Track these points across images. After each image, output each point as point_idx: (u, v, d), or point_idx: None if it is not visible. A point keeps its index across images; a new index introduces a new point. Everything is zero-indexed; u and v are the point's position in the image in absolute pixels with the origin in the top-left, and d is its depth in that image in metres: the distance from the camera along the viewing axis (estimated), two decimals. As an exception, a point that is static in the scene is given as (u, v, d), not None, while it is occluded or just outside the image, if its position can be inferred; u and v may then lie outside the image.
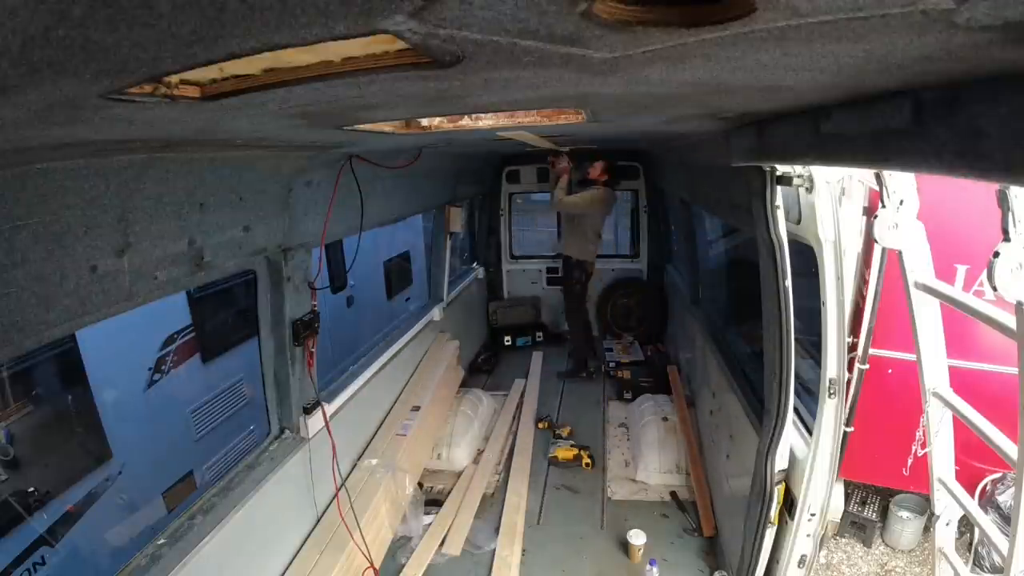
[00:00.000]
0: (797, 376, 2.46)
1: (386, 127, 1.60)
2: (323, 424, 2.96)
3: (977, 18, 0.54)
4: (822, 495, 2.44)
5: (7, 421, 3.19)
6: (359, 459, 3.62)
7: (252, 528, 2.47)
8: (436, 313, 5.26)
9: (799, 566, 2.54)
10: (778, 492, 2.50)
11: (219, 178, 1.95)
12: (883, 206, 2.06)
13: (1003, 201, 1.51)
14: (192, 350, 4.59)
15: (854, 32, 0.62)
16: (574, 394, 5.52)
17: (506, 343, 6.75)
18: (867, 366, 3.50)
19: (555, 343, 6.84)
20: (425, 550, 3.38)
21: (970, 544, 3.68)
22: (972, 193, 3.32)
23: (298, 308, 2.72)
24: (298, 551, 2.87)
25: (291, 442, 2.84)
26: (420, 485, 4.02)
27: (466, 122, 1.66)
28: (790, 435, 2.49)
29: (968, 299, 1.98)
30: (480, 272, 6.87)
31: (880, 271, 3.29)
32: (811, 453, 2.39)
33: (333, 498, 3.02)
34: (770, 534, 2.56)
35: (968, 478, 3.11)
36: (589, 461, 4.32)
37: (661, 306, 6.74)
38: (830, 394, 2.34)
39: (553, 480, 4.19)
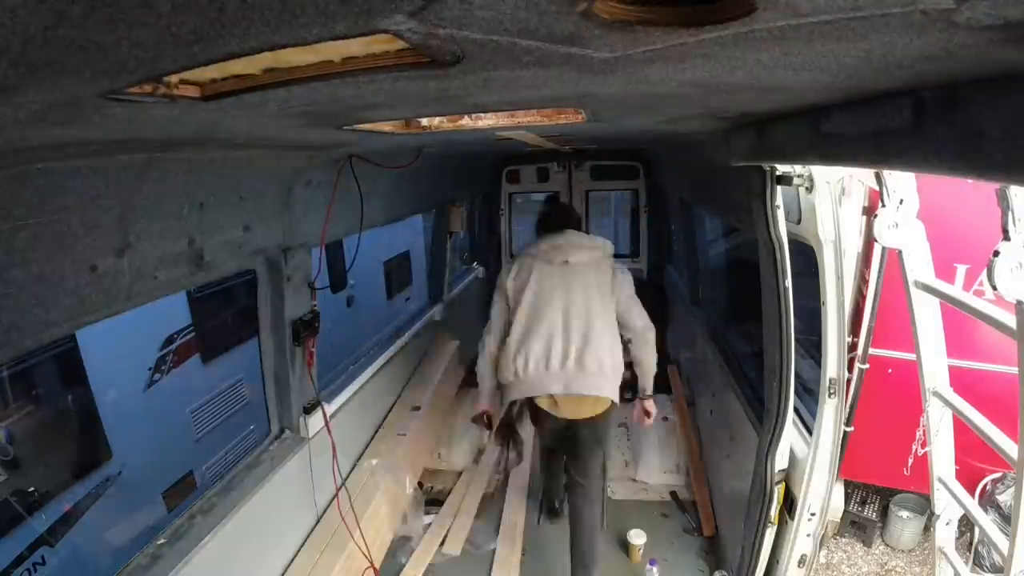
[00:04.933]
0: (797, 376, 2.46)
1: (386, 127, 1.60)
2: (323, 424, 2.96)
3: (977, 18, 0.54)
4: (822, 495, 2.44)
5: (7, 421, 3.20)
6: (359, 459, 3.62)
7: (252, 528, 2.47)
8: (436, 313, 5.26)
9: (799, 566, 2.54)
10: (778, 492, 2.50)
11: (219, 178, 1.95)
12: (883, 206, 2.06)
13: (1003, 201, 1.51)
14: (192, 350, 4.60)
15: (854, 32, 0.62)
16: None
17: (506, 343, 6.73)
18: (867, 366, 3.51)
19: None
20: (425, 550, 3.38)
21: (970, 544, 3.68)
22: (972, 194, 3.32)
23: (298, 308, 2.72)
24: (298, 551, 2.87)
25: (291, 442, 2.84)
26: (420, 485, 4.02)
27: (466, 122, 1.66)
28: (790, 435, 2.49)
29: (968, 299, 1.98)
30: (480, 272, 6.86)
31: (880, 271, 3.29)
32: (811, 453, 2.39)
33: (333, 498, 3.02)
34: (770, 534, 2.56)
35: (968, 478, 3.11)
36: (589, 461, 4.31)
37: (661, 306, 6.73)
38: (830, 394, 2.34)
39: (553, 480, 4.18)
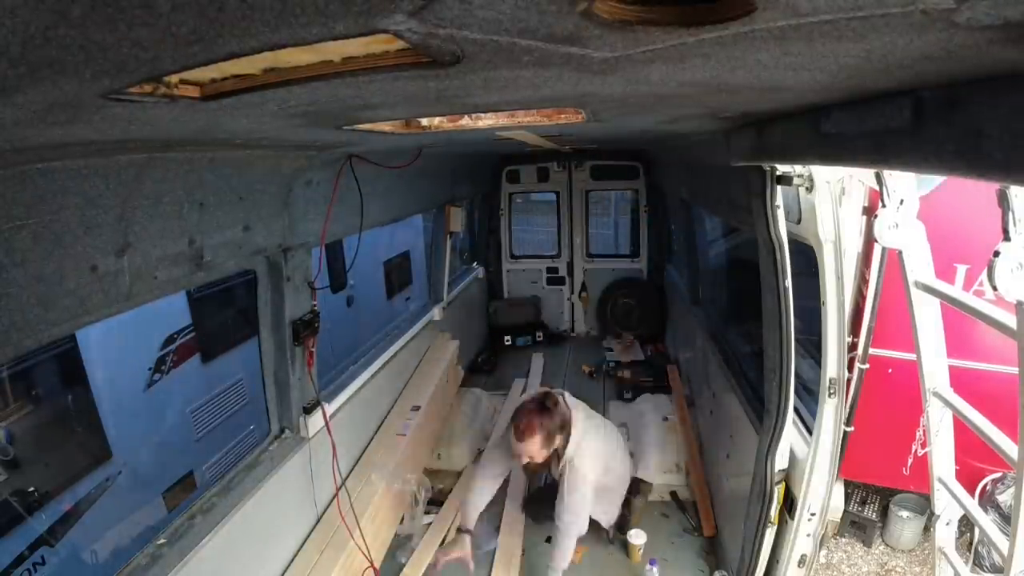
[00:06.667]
0: (797, 376, 2.46)
1: (386, 127, 1.60)
2: (323, 424, 2.96)
3: (977, 18, 0.54)
4: (822, 495, 2.44)
5: (7, 421, 3.19)
6: (359, 459, 3.62)
7: (252, 528, 2.47)
8: (436, 313, 5.26)
9: (799, 566, 2.54)
10: (778, 492, 2.50)
11: (219, 178, 1.95)
12: (883, 206, 2.06)
13: (1003, 201, 1.51)
14: (192, 350, 4.59)
15: (854, 32, 0.62)
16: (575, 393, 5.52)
17: (506, 343, 6.75)
18: (867, 366, 3.51)
19: (555, 343, 6.85)
20: (425, 550, 3.38)
21: (970, 544, 3.69)
22: (973, 193, 3.32)
23: (298, 308, 2.72)
24: (298, 551, 2.87)
25: (291, 442, 2.84)
26: (420, 485, 4.02)
27: (466, 122, 1.66)
28: (790, 435, 2.49)
29: (968, 299, 1.98)
30: (480, 272, 6.87)
31: (880, 271, 3.29)
32: (811, 453, 2.39)
33: (333, 498, 3.02)
34: (770, 534, 2.56)
35: (968, 478, 3.11)
36: (589, 461, 4.31)
37: (661, 306, 6.74)
38: (830, 394, 2.34)
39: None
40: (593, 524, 3.27)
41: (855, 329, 3.48)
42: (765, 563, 2.62)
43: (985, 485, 3.64)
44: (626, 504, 3.53)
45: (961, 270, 3.52)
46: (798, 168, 2.07)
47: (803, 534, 2.48)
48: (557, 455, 3.05)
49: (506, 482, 4.01)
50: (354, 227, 3.07)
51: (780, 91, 1.12)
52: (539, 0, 0.49)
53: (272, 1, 0.45)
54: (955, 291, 2.21)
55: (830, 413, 2.35)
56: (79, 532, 3.41)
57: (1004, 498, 3.51)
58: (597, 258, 7.28)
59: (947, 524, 2.37)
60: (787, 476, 2.51)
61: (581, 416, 3.11)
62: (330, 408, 3.07)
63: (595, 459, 3.05)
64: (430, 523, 3.62)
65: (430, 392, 4.44)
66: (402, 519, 3.59)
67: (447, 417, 4.57)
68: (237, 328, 4.83)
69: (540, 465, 3.11)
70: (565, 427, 2.99)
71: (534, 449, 2.85)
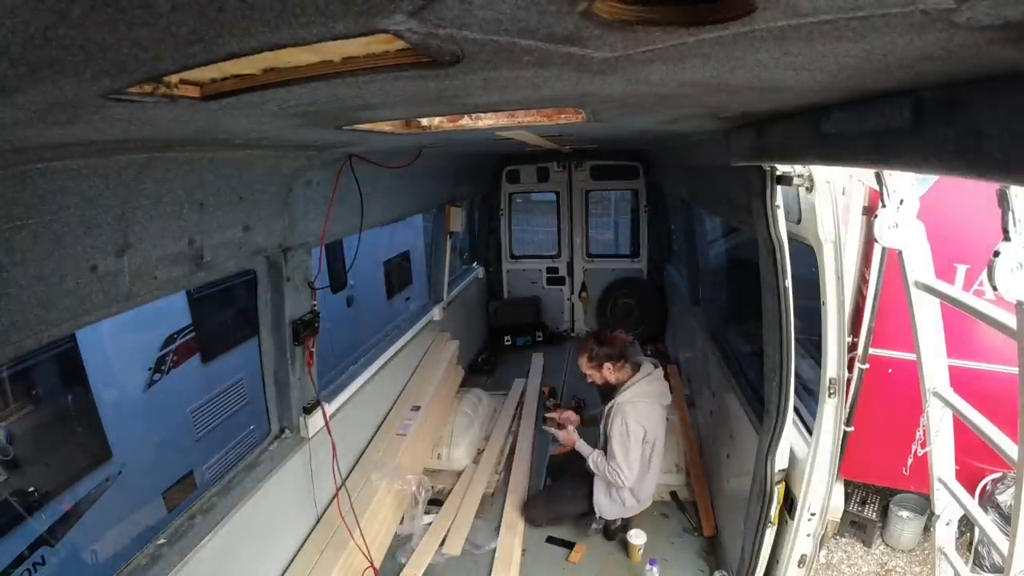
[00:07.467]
0: (797, 376, 2.46)
1: (386, 127, 1.60)
2: (323, 424, 2.96)
3: (977, 18, 0.54)
4: (822, 495, 2.44)
5: (7, 421, 3.19)
6: (359, 459, 3.62)
7: (252, 528, 2.47)
8: (436, 313, 5.26)
9: (799, 566, 2.54)
10: (778, 492, 2.50)
11: (219, 178, 1.95)
12: (883, 206, 2.06)
13: (1003, 201, 1.51)
14: (192, 350, 4.59)
15: (854, 32, 0.62)
16: (575, 392, 5.53)
17: (506, 343, 6.75)
18: (867, 366, 3.51)
19: (555, 343, 6.84)
20: (425, 550, 3.38)
21: (970, 544, 3.69)
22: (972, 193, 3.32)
23: (298, 308, 2.72)
24: (298, 551, 2.87)
25: (291, 442, 2.84)
26: (420, 485, 4.02)
27: (466, 122, 1.66)
28: (790, 435, 2.49)
29: (968, 299, 1.98)
30: (480, 272, 6.87)
31: (880, 271, 3.29)
32: (811, 453, 2.39)
33: (333, 498, 3.02)
34: (770, 534, 2.56)
35: (968, 478, 3.11)
36: (589, 461, 4.31)
37: (661, 306, 6.74)
38: (830, 394, 2.34)
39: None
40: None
41: (855, 329, 3.48)
42: (765, 563, 2.62)
43: (985, 485, 3.64)
44: None
45: (961, 270, 3.52)
46: (798, 168, 2.07)
47: (803, 534, 2.48)
48: (610, 389, 3.35)
49: (506, 483, 4.03)
50: (354, 227, 3.07)
51: (780, 91, 1.12)
52: (539, 0, 0.49)
53: (272, 1, 0.45)
54: (955, 291, 2.21)
55: (830, 413, 2.35)
56: (79, 532, 3.41)
57: (1004, 498, 3.51)
58: (597, 258, 7.29)
59: (947, 524, 2.37)
60: (787, 476, 2.51)
61: (647, 381, 3.32)
62: (330, 408, 3.08)
63: (641, 418, 3.22)
64: (430, 523, 3.62)
65: (430, 392, 4.44)
66: (402, 519, 3.59)
67: (447, 417, 4.56)
68: (237, 328, 4.83)
69: (600, 389, 3.49)
70: (615, 361, 3.31)
71: (583, 363, 3.39)
